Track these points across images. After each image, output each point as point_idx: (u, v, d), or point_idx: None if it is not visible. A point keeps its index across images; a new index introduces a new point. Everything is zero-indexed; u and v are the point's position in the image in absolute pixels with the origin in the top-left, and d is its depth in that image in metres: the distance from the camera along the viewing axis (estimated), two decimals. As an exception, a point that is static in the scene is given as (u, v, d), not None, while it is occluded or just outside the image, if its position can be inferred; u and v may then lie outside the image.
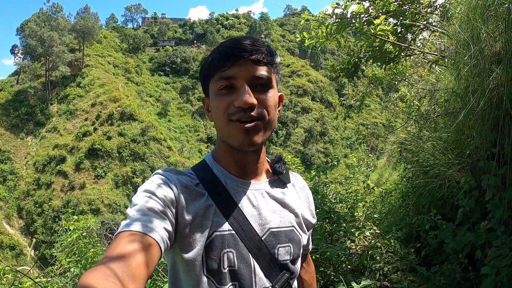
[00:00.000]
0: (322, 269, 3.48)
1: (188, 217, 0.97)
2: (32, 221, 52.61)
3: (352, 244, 3.75)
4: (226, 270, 0.98)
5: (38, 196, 54.98)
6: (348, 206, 4.47)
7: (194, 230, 0.97)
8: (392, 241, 3.73)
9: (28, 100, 69.19)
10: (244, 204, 1.05)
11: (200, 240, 0.97)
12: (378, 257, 3.56)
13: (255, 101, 0.98)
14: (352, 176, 5.72)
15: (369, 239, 3.76)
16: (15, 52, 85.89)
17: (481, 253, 2.47)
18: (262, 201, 1.08)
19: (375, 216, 4.51)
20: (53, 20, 77.19)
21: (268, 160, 1.20)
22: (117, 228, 0.90)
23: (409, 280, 3.09)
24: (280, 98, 1.13)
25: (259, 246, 1.02)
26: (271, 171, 1.17)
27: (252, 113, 0.98)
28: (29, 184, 57.20)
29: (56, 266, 4.52)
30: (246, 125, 0.98)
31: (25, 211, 53.97)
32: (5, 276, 2.73)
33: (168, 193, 0.96)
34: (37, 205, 54.02)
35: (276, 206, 1.10)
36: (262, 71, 1.01)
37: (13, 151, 62.11)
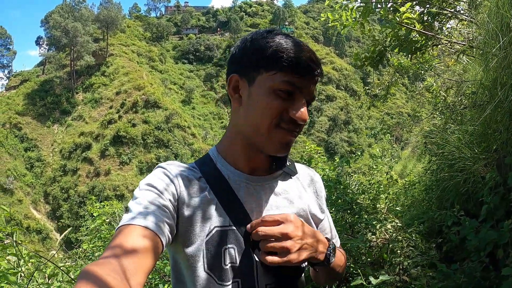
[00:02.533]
0: (342, 261, 3.46)
1: (189, 211, 0.96)
2: (58, 206, 54.42)
3: (373, 236, 3.70)
4: (227, 267, 0.97)
5: (64, 182, 56.72)
6: (371, 197, 4.41)
7: (194, 224, 0.96)
8: (413, 235, 3.67)
9: (54, 90, 70.95)
10: (247, 199, 1.03)
11: (200, 235, 0.96)
12: (398, 251, 3.51)
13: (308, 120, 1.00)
14: (375, 167, 5.63)
15: (390, 232, 3.71)
16: (40, 43, 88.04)
17: (503, 252, 2.39)
18: (266, 196, 1.06)
19: (397, 208, 4.45)
20: (77, 11, 78.59)
21: None
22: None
23: (428, 276, 3.04)
24: None
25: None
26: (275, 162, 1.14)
27: (299, 129, 1.00)
28: (55, 171, 59.04)
29: (81, 249, 4.66)
30: (291, 138, 0.99)
31: (52, 196, 55.81)
32: (31, 260, 2.81)
33: (170, 187, 0.96)
34: (63, 191, 55.77)
35: (280, 201, 1.08)
36: (315, 92, 1.04)
37: (40, 139, 64.06)
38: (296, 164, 1.19)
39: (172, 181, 0.97)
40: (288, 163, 1.12)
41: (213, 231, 0.97)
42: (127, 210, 0.90)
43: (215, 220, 0.98)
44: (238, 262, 0.97)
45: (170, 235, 0.90)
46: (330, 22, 3.73)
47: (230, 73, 1.04)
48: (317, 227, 1.17)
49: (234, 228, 0.99)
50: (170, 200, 0.93)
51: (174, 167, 1.03)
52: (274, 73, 0.96)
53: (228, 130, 1.10)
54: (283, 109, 0.96)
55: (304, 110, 0.96)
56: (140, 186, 0.96)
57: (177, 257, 1.01)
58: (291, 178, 1.14)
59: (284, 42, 0.97)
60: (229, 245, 0.97)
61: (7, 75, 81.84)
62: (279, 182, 1.11)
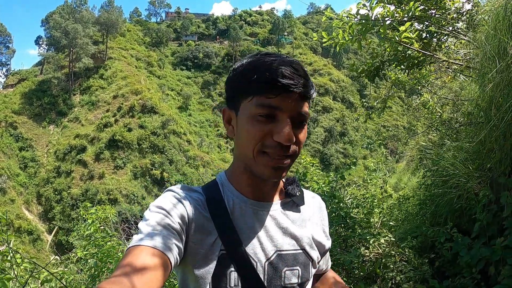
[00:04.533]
0: (335, 274, 3.46)
1: (197, 234, 0.98)
2: (50, 207, 53.88)
3: (366, 251, 3.72)
4: None
5: (57, 184, 56.22)
6: (365, 211, 4.42)
7: (204, 247, 0.98)
8: (406, 250, 3.68)
9: (51, 90, 70.62)
10: (252, 226, 1.04)
11: (209, 257, 0.98)
12: (391, 266, 3.52)
13: (294, 139, 0.95)
14: (369, 180, 5.65)
15: (383, 246, 3.72)
16: (40, 43, 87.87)
17: (495, 269, 2.41)
18: (272, 223, 1.07)
19: (390, 223, 4.46)
20: (78, 12, 78.59)
21: (283, 180, 1.16)
22: (133, 220, 0.92)
23: (421, 292, 3.05)
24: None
25: (256, 276, 1.01)
26: (284, 192, 1.14)
27: (288, 150, 0.95)
28: (49, 172, 58.56)
29: (73, 254, 4.63)
30: (278, 163, 0.96)
31: (44, 197, 55.30)
32: (23, 265, 2.79)
33: (179, 209, 0.97)
34: (56, 193, 55.26)
35: (286, 228, 1.08)
36: (305, 107, 0.97)
37: (35, 139, 63.65)
38: (305, 191, 1.19)
39: (182, 204, 0.99)
40: (297, 193, 1.13)
41: (220, 254, 0.98)
42: (137, 231, 0.93)
43: (219, 243, 0.99)
44: (240, 286, 0.98)
45: (178, 256, 0.91)
46: (324, 41, 3.75)
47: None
48: (322, 256, 1.19)
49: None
50: (179, 223, 0.95)
51: (183, 191, 1.04)
52: (251, 99, 0.95)
53: (233, 157, 1.12)
54: (265, 133, 0.94)
55: (287, 130, 0.92)
56: (150, 208, 0.98)
57: (186, 278, 1.02)
58: (298, 207, 1.14)
59: (257, 64, 0.96)
60: (232, 268, 0.99)
61: (5, 73, 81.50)
62: (287, 210, 1.12)
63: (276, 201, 1.10)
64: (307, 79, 0.96)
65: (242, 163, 1.04)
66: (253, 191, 1.06)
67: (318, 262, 1.18)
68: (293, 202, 1.12)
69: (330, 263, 1.33)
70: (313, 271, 1.12)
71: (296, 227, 1.10)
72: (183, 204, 0.99)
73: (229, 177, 1.10)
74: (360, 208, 4.48)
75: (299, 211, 1.13)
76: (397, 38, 3.14)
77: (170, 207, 0.96)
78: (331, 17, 3.67)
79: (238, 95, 0.99)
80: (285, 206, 1.11)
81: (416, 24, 3.78)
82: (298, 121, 0.97)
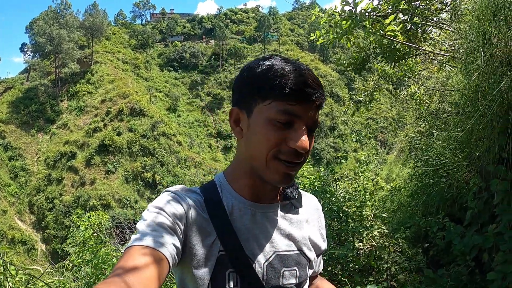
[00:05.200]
0: (330, 268, 3.49)
1: (196, 234, 0.98)
2: (43, 216, 53.39)
3: (360, 244, 3.74)
4: None
5: (49, 192, 55.72)
6: (357, 205, 4.45)
7: (203, 247, 0.98)
8: (400, 240, 3.72)
9: (38, 97, 69.89)
10: (251, 227, 1.04)
11: (209, 258, 0.98)
12: (385, 257, 3.55)
13: (308, 148, 0.96)
14: (361, 174, 5.68)
15: (377, 238, 3.75)
16: (25, 50, 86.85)
17: (488, 256, 2.45)
18: (271, 224, 1.07)
19: (383, 215, 4.49)
20: (62, 17, 77.78)
21: None
22: (127, 225, 0.92)
23: (416, 281, 3.08)
24: None
25: (255, 277, 1.01)
26: (283, 194, 1.14)
27: (300, 158, 0.96)
28: (40, 180, 57.99)
29: (68, 262, 4.59)
30: (290, 170, 0.97)
31: (37, 206, 54.77)
32: (18, 276, 2.76)
33: (177, 210, 0.97)
34: (48, 201, 54.76)
35: (284, 230, 1.09)
36: (318, 117, 0.99)
37: (24, 147, 63.00)
38: (302, 193, 1.20)
39: (180, 204, 0.99)
40: (296, 196, 1.13)
41: (218, 255, 0.99)
42: (135, 231, 0.92)
43: (218, 244, 1.00)
44: (239, 286, 0.99)
45: (176, 256, 0.91)
46: (319, 39, 3.82)
47: (232, 105, 1.06)
48: (318, 256, 1.20)
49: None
50: (177, 223, 0.95)
51: (181, 191, 1.04)
52: (270, 103, 0.94)
53: (234, 159, 1.11)
54: (281, 139, 0.94)
55: (304, 138, 0.93)
56: (148, 208, 0.98)
57: (184, 278, 1.02)
58: (296, 209, 1.15)
59: (279, 69, 0.95)
60: (231, 269, 0.99)
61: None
62: (285, 212, 1.12)
63: (275, 203, 1.11)
64: (323, 89, 0.98)
65: (249, 166, 1.03)
66: (253, 193, 1.06)
67: (315, 263, 1.19)
68: (291, 205, 1.13)
69: (322, 266, 1.34)
70: (310, 271, 1.13)
71: (294, 228, 1.11)
72: (181, 204, 0.98)
73: (228, 178, 1.10)
74: (352, 201, 4.51)
75: (297, 213, 1.14)
76: (382, 32, 3.16)
77: (168, 207, 0.96)
78: (319, 15, 3.72)
79: (255, 97, 0.98)
80: (283, 208, 1.12)
81: (400, 15, 3.81)
82: (311, 129, 0.98)
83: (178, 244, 0.92)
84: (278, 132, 0.94)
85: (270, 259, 1.03)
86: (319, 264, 1.29)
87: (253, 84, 0.98)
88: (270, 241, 1.05)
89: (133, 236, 0.90)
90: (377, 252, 3.59)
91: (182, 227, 0.96)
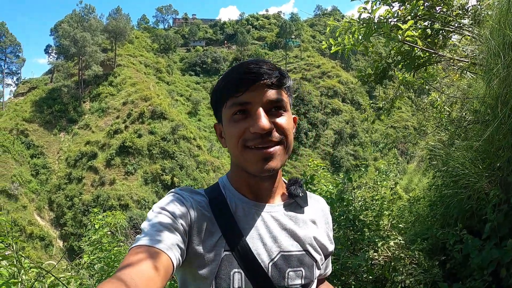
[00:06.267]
0: (343, 278, 3.42)
1: (200, 235, 0.99)
2: (62, 213, 54.40)
3: (375, 254, 3.66)
4: None
5: (69, 190, 56.77)
6: (374, 214, 4.36)
7: (207, 247, 0.99)
8: (416, 252, 3.62)
9: (62, 98, 71.43)
10: (255, 227, 1.05)
11: (213, 258, 0.98)
12: (401, 269, 3.46)
13: (271, 126, 0.97)
14: (378, 183, 5.59)
15: (393, 249, 3.66)
16: (49, 51, 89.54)
17: (506, 271, 2.35)
18: (275, 224, 1.07)
19: (400, 225, 4.39)
20: (86, 21, 79.26)
21: (285, 181, 1.19)
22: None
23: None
24: (294, 121, 1.11)
25: (264, 275, 1.01)
26: (287, 193, 1.15)
27: (270, 138, 0.97)
28: (60, 178, 59.15)
29: (83, 260, 4.67)
30: (264, 151, 0.97)
31: (56, 204, 55.85)
32: (31, 270, 2.82)
33: (182, 211, 0.98)
34: (67, 199, 55.79)
35: (289, 229, 1.08)
36: (277, 94, 1.00)
37: (46, 146, 64.41)
38: (308, 194, 1.20)
39: (184, 205, 1.00)
40: (300, 194, 1.13)
41: (223, 255, 0.99)
42: (140, 231, 0.94)
43: (223, 244, 1.00)
44: (243, 286, 0.99)
45: (180, 257, 0.92)
46: (333, 47, 3.79)
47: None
48: (325, 258, 1.19)
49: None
50: (181, 224, 0.96)
51: (186, 192, 1.07)
52: (226, 103, 1.02)
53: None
54: (243, 129, 0.98)
55: (260, 119, 0.95)
56: (153, 208, 1.00)
57: (186, 279, 1.03)
58: (302, 208, 1.14)
59: (225, 74, 1.04)
60: (236, 269, 0.99)
61: (16, 82, 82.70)
62: (290, 211, 1.12)
63: (279, 202, 1.12)
64: (270, 69, 1.00)
65: (238, 167, 1.07)
66: (253, 192, 1.08)
67: (322, 264, 1.18)
68: (296, 204, 1.13)
69: (330, 269, 1.32)
70: (317, 272, 1.12)
71: (299, 228, 1.10)
72: (185, 205, 1.00)
73: (230, 180, 1.12)
74: (369, 210, 4.42)
75: (302, 212, 1.14)
76: (400, 37, 3.10)
77: (173, 208, 0.98)
78: (336, 26, 3.70)
79: (218, 107, 1.06)
80: (288, 207, 1.12)
81: (420, 21, 3.74)
82: (273, 108, 1.00)
83: (183, 245, 0.94)
84: (239, 124, 0.99)
85: (275, 259, 1.03)
86: (326, 267, 1.27)
87: (214, 97, 1.08)
88: (275, 241, 1.05)
89: (138, 236, 0.92)
90: (392, 264, 3.50)
91: (186, 228, 0.97)
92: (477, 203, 3.09)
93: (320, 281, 1.31)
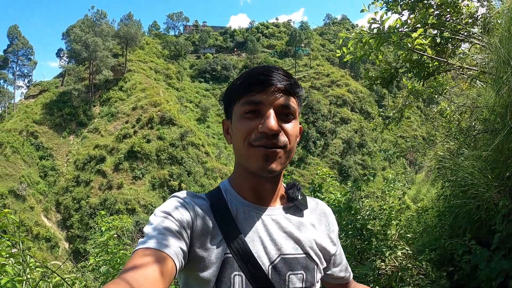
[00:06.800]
0: None
1: (202, 238, 1.00)
2: (69, 216, 54.62)
3: (382, 264, 3.62)
4: None
5: (76, 193, 57.05)
6: (382, 223, 4.33)
7: (209, 250, 1.00)
8: (424, 262, 3.57)
9: (72, 101, 72.07)
10: (256, 230, 1.05)
11: (215, 261, 0.99)
12: (408, 279, 3.42)
13: (279, 128, 1.00)
14: (387, 192, 5.56)
15: (400, 259, 3.62)
16: (61, 55, 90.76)
17: (516, 283, 2.31)
18: (275, 227, 1.08)
19: (408, 235, 4.35)
20: (97, 26, 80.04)
21: (284, 185, 1.20)
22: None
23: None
24: (300, 130, 1.12)
25: (265, 278, 1.01)
26: (286, 196, 1.16)
27: (275, 141, 1.00)
28: (68, 181, 59.49)
29: (90, 262, 4.69)
30: (266, 152, 0.99)
31: (63, 206, 56.12)
32: (36, 269, 2.84)
33: (184, 214, 1.00)
34: (75, 201, 56.04)
35: (289, 232, 1.09)
36: (289, 101, 1.04)
37: (55, 148, 64.94)
38: (308, 198, 1.21)
39: (186, 209, 1.02)
40: (300, 197, 1.15)
41: (224, 257, 1.00)
42: (142, 235, 0.95)
43: (224, 247, 1.01)
44: None
45: (182, 260, 0.93)
46: (346, 56, 3.81)
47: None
48: (328, 262, 1.19)
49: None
50: (183, 227, 0.97)
51: (188, 197, 1.08)
52: (239, 101, 1.05)
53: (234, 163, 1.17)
54: (252, 128, 1.01)
55: (270, 120, 0.98)
56: (155, 212, 1.01)
57: (188, 282, 1.03)
58: (301, 211, 1.16)
59: (243, 74, 1.08)
60: (237, 272, 0.99)
61: (27, 84, 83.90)
62: (290, 214, 1.13)
63: (279, 205, 1.13)
64: (287, 76, 1.05)
65: (241, 166, 1.08)
66: (255, 194, 1.09)
67: (326, 267, 1.19)
68: (296, 207, 1.15)
69: (350, 272, 1.33)
70: (318, 275, 1.12)
71: (299, 231, 1.11)
72: (187, 209, 1.02)
73: (231, 183, 1.14)
74: (377, 220, 4.39)
75: (302, 215, 1.15)
76: (410, 45, 3.09)
77: (175, 212, 0.99)
78: (348, 37, 3.73)
79: (230, 103, 1.10)
80: (287, 210, 1.13)
81: (430, 30, 3.73)
82: (283, 113, 1.03)
83: (185, 248, 0.95)
84: (249, 122, 1.02)
85: (275, 262, 1.03)
86: (345, 270, 1.29)
87: (227, 94, 1.11)
88: (275, 244, 1.05)
89: (141, 240, 0.93)
90: (400, 274, 3.46)
91: (188, 231, 0.98)
92: (486, 214, 3.05)
93: (344, 285, 1.33)
